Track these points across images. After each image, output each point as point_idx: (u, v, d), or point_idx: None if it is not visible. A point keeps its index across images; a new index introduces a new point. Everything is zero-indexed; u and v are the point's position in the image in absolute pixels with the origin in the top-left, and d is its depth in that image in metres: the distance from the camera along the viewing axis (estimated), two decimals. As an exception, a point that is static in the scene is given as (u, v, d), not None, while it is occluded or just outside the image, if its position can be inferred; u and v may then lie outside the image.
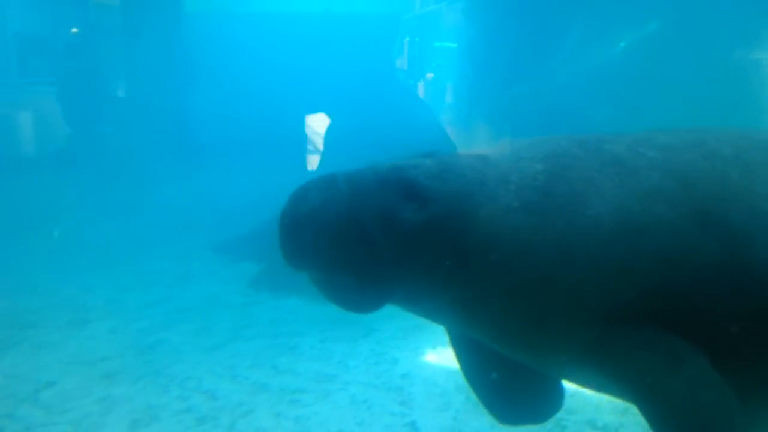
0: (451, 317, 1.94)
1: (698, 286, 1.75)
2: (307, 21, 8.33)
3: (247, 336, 4.67)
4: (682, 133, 2.08)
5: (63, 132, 8.77)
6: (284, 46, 7.96)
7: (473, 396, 2.26)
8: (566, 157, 1.90)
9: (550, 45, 6.76)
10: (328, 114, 8.31)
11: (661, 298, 1.73)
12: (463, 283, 1.79)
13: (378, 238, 1.71)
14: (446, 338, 2.22)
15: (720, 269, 1.75)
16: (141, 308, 5.25)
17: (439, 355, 4.25)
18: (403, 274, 1.78)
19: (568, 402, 3.79)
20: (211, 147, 7.89)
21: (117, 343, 4.51)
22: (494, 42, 7.43)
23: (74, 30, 10.34)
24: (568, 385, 2.20)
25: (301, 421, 3.41)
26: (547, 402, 2.27)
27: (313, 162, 8.61)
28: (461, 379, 2.25)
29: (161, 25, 8.85)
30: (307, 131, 8.77)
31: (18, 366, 4.12)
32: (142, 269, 6.38)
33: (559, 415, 3.53)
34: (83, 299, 5.46)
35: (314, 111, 8.65)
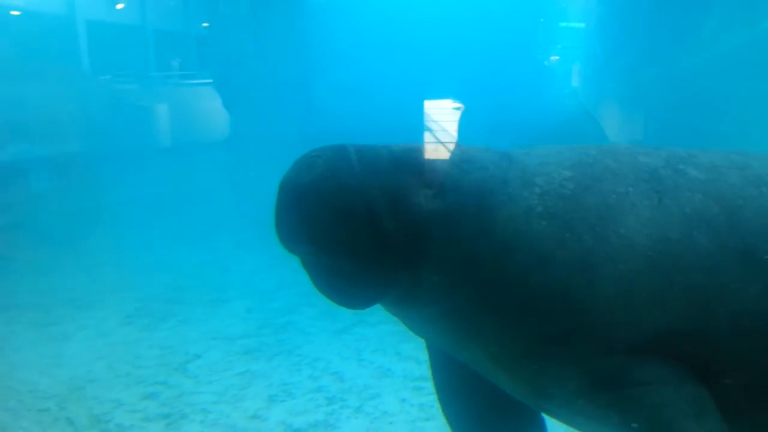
0: (447, 328, 1.72)
1: (732, 333, 1.56)
2: (434, 4, 8.28)
3: (370, 322, 4.83)
4: (726, 153, 1.83)
5: (197, 121, 9.41)
6: (411, 32, 7.99)
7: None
8: (597, 166, 1.70)
9: (687, 24, 6.29)
10: (462, 101, 8.24)
11: (690, 339, 1.56)
12: (472, 288, 1.61)
13: (386, 222, 1.54)
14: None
15: (758, 318, 1.55)
16: (272, 290, 5.59)
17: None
18: (406, 268, 1.60)
19: None
20: (336, 138, 8.13)
21: (253, 322, 4.84)
22: (627, 21, 7.03)
23: (205, 24, 11.05)
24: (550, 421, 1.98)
25: (425, 408, 3.49)
26: None
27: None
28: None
29: (286, 17, 9.21)
30: (438, 119, 8.77)
31: (169, 339, 4.56)
32: (271, 253, 6.75)
33: None
34: (222, 279, 5.91)
35: (446, 98, 8.62)
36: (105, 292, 5.45)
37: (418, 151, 1.66)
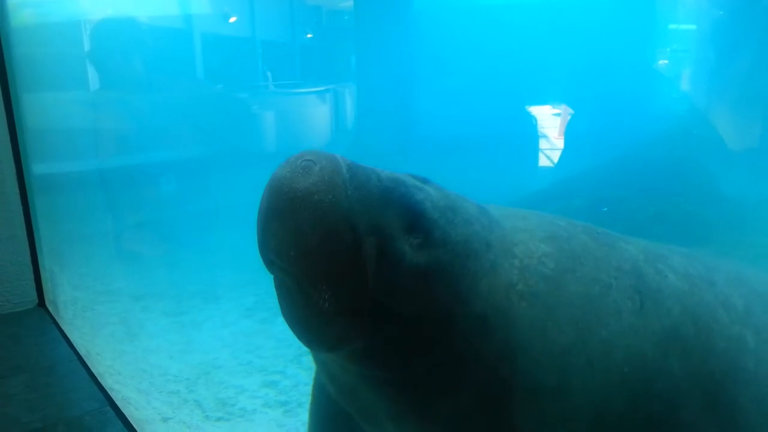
0: (388, 398, 1.55)
1: None
2: (539, 8, 8.25)
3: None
4: (688, 257, 1.73)
5: (301, 128, 9.85)
6: (515, 36, 8.00)
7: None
8: (575, 244, 1.58)
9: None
10: (569, 105, 8.14)
11: None
12: (438, 361, 1.45)
13: (369, 262, 1.36)
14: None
15: None
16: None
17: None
18: (376, 319, 1.41)
19: None
20: (438, 146, 8.31)
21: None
22: (743, 23, 6.72)
23: (309, 35, 11.52)
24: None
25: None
26: None
27: (549, 160, 8.57)
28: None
29: (389, 25, 9.47)
30: (542, 127, 8.70)
31: (284, 332, 4.81)
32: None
33: None
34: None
35: (550, 104, 8.54)
36: (226, 286, 5.91)
37: (406, 186, 1.47)
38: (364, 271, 1.37)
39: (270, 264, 1.46)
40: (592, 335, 1.47)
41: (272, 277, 1.53)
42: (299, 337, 1.50)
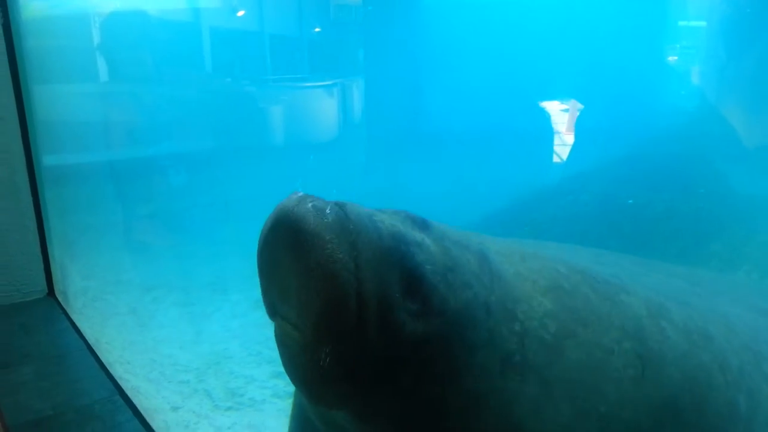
0: None
1: None
2: (550, 4, 8.22)
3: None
4: (686, 311, 1.70)
5: (308, 122, 9.88)
6: (524, 31, 7.98)
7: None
8: (577, 298, 1.54)
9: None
10: (578, 101, 8.11)
11: None
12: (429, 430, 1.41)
13: (371, 326, 1.31)
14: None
15: None
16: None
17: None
18: (370, 386, 1.38)
19: None
20: (446, 142, 8.31)
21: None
22: (753, 20, 6.70)
23: (317, 29, 11.54)
24: None
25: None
26: None
27: (557, 155, 8.55)
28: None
29: (397, 20, 9.47)
30: (551, 123, 8.66)
31: (293, 324, 4.93)
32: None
33: None
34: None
35: (559, 99, 8.52)
36: (236, 278, 5.95)
37: (407, 245, 1.38)
38: (366, 335, 1.31)
39: (272, 312, 1.45)
40: (590, 413, 1.44)
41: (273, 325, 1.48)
42: (297, 389, 1.46)
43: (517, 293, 1.49)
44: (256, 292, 5.27)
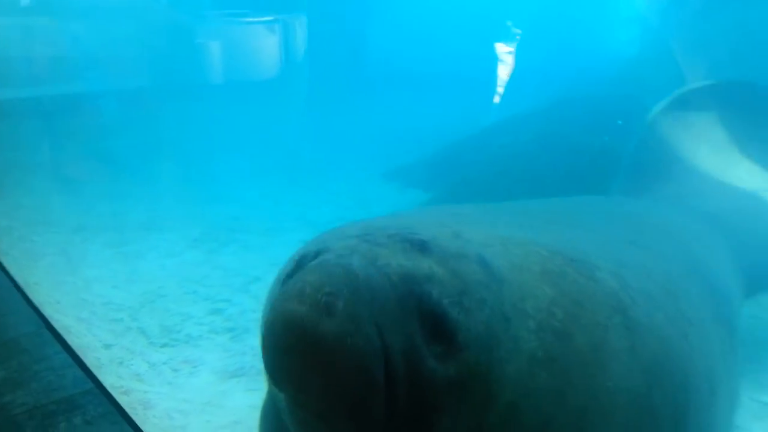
0: None
1: None
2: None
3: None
4: (633, 272, 1.88)
5: (252, 59, 9.57)
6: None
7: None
8: (568, 282, 1.60)
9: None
10: (523, 44, 8.05)
11: None
12: None
13: (400, 390, 1.28)
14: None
15: None
16: (325, 223, 5.81)
17: None
18: None
19: None
20: (390, 81, 8.20)
21: (307, 252, 5.09)
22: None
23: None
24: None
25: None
26: None
27: (499, 96, 8.55)
28: None
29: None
30: (494, 65, 8.61)
31: (231, 262, 4.87)
32: (325, 189, 7.02)
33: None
34: (278, 212, 6.20)
35: (504, 42, 8.45)
36: (173, 218, 5.80)
37: (419, 284, 1.34)
38: (397, 402, 1.29)
39: (285, 394, 1.39)
40: (601, 390, 1.52)
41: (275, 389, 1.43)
42: None
43: (522, 289, 1.51)
44: (194, 230, 5.18)
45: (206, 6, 10.67)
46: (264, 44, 9.50)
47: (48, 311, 3.68)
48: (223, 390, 3.18)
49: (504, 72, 8.09)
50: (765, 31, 5.54)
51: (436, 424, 1.35)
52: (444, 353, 1.32)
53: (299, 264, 1.46)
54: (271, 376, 1.35)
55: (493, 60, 8.47)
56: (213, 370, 3.36)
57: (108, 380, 3.05)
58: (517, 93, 7.21)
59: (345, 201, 6.66)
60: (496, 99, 8.04)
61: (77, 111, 7.31)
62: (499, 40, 8.34)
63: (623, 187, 4.32)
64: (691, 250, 2.84)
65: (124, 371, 3.31)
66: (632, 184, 4.23)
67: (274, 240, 5.39)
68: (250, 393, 3.15)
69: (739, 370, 2.54)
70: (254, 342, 3.65)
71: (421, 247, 1.44)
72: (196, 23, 10.09)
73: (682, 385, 1.79)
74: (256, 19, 9.69)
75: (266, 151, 8.08)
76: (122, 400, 2.87)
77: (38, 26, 7.94)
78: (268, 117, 8.96)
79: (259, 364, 3.38)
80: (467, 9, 8.00)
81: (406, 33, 8.39)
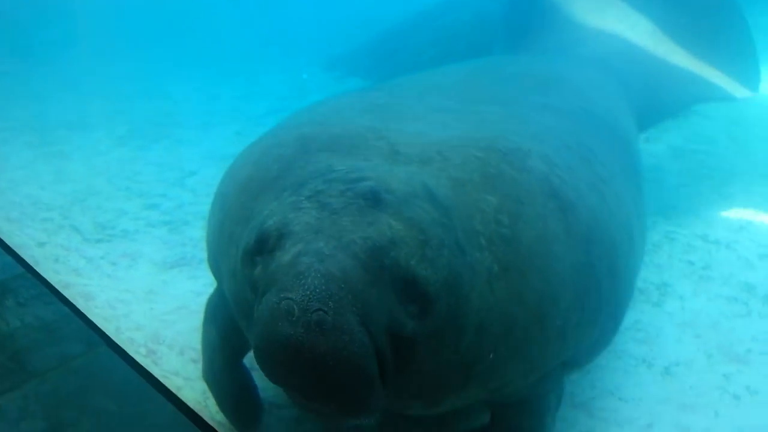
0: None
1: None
2: None
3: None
4: (552, 147, 2.00)
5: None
6: None
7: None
8: (507, 181, 1.68)
9: None
10: None
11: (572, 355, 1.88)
12: (454, 362, 1.55)
13: (387, 365, 1.38)
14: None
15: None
16: (261, 116, 5.66)
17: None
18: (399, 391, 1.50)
19: (680, 217, 3.92)
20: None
21: (242, 144, 4.91)
22: None
23: None
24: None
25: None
26: None
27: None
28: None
29: None
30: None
31: (164, 157, 4.72)
32: (260, 81, 6.77)
33: (669, 228, 3.69)
34: (210, 105, 5.96)
35: None
36: (97, 116, 5.52)
37: (385, 254, 1.37)
38: (385, 371, 1.38)
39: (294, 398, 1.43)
40: (551, 275, 1.63)
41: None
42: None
43: (468, 208, 1.56)
44: (120, 128, 4.97)
45: None
46: None
47: (-27, 215, 3.53)
48: (165, 279, 3.17)
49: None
50: None
51: (417, 371, 1.48)
52: (420, 311, 1.39)
53: (262, 245, 1.46)
54: (275, 384, 1.41)
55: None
56: (152, 262, 3.34)
57: (45, 276, 3.00)
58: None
59: (282, 91, 6.45)
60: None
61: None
62: None
63: (510, 42, 4.39)
64: (595, 102, 3.00)
65: (61, 267, 3.25)
66: (520, 39, 4.31)
67: (208, 134, 5.23)
68: (192, 280, 3.17)
69: (646, 206, 2.73)
70: (194, 233, 3.62)
71: (375, 200, 1.45)
72: None
73: (610, 243, 1.92)
74: None
75: (195, 42, 7.67)
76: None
77: None
78: (197, 5, 8.43)
79: (200, 254, 3.39)
80: None
81: None
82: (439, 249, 1.42)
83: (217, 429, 2.19)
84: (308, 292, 1.28)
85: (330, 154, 1.70)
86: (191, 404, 2.28)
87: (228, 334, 2.06)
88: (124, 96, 6.18)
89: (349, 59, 6.98)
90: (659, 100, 4.00)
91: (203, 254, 3.40)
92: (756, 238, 3.72)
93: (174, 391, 2.34)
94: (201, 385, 2.40)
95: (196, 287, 3.09)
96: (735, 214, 4.03)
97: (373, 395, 1.34)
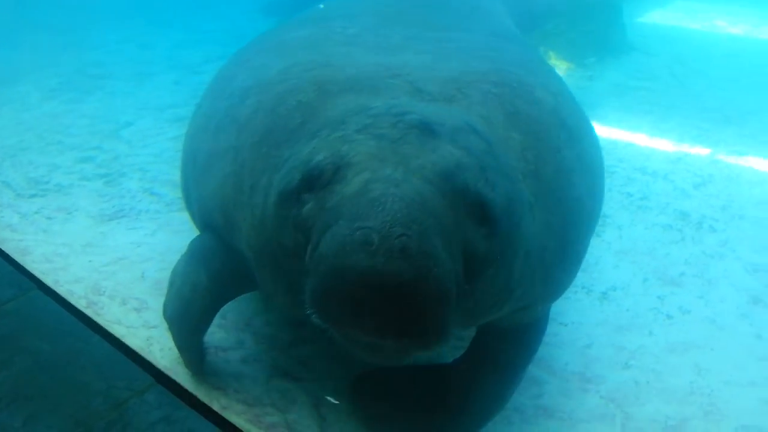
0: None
1: None
2: None
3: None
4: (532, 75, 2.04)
5: None
6: None
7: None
8: (525, 119, 1.74)
9: None
10: None
11: None
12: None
13: (462, 286, 1.34)
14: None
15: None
16: (199, 63, 5.46)
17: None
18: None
19: (620, 151, 4.01)
20: None
21: (181, 93, 4.79)
22: None
23: None
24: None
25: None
26: None
27: None
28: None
29: None
30: None
31: (98, 109, 4.52)
32: (197, 28, 6.50)
33: (609, 162, 3.78)
34: (145, 55, 5.71)
35: None
36: (22, 69, 5.21)
37: (456, 177, 1.37)
38: (461, 296, 1.34)
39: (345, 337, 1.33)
40: (572, 201, 1.75)
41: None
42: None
43: (502, 145, 1.61)
44: (49, 80, 4.71)
45: None
46: None
47: None
48: (103, 231, 3.08)
49: None
50: None
51: (474, 293, 1.47)
52: (488, 233, 1.39)
53: (312, 181, 1.38)
54: (334, 325, 1.29)
55: None
56: (89, 215, 3.23)
57: (-25, 234, 2.87)
58: None
59: (220, 38, 6.20)
60: None
61: None
62: None
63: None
64: (506, 24, 3.11)
65: (-8, 224, 3.11)
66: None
67: (144, 84, 5.02)
68: (132, 231, 3.09)
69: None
70: (131, 185, 3.51)
71: (429, 130, 1.44)
72: None
73: (599, 165, 2.07)
74: None
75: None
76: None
77: None
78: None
79: (138, 206, 3.30)
80: None
81: None
82: (494, 174, 1.45)
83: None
84: (388, 218, 1.21)
85: (355, 95, 1.66)
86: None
87: (222, 279, 2.00)
88: (52, 47, 5.85)
89: (286, 4, 6.75)
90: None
91: (142, 206, 3.34)
92: (691, 168, 3.85)
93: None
94: (145, 333, 2.37)
95: (135, 238, 3.01)
96: (672, 147, 4.15)
97: (450, 321, 1.29)
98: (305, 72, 1.85)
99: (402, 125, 1.44)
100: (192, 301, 2.06)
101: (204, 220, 2.06)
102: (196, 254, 2.13)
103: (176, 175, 3.57)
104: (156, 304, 2.40)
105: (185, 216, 3.09)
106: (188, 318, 2.09)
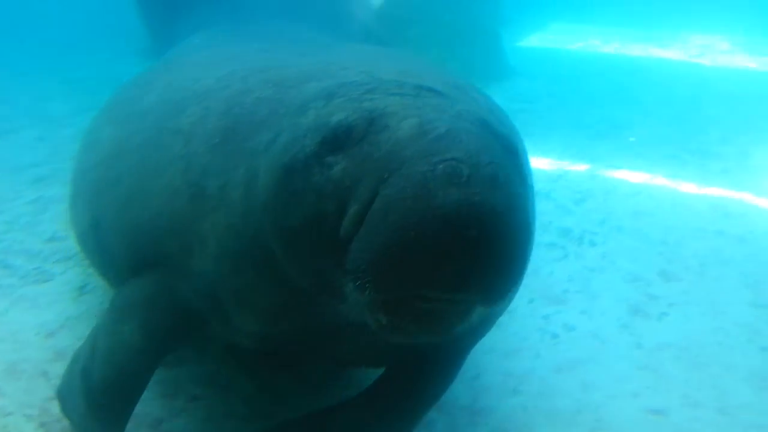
0: None
1: None
2: None
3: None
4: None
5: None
6: None
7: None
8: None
9: None
10: None
11: None
12: None
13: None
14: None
15: None
16: (67, 116, 5.09)
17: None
18: None
19: None
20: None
21: (45, 150, 4.44)
22: None
23: None
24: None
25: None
26: None
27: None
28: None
29: None
30: None
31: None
32: (66, 77, 6.11)
33: None
34: (5, 110, 5.28)
35: None
36: None
37: (490, 122, 1.34)
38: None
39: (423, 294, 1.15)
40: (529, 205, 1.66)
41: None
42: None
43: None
44: None
45: None
46: None
47: None
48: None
49: None
50: None
51: None
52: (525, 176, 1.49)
53: (339, 140, 1.26)
54: (398, 289, 1.13)
55: None
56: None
57: None
58: None
59: (94, 85, 5.81)
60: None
61: None
62: None
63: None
64: None
65: None
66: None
67: (3, 142, 4.61)
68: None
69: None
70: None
71: (433, 90, 1.41)
72: None
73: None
74: None
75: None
76: None
77: None
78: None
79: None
80: None
81: None
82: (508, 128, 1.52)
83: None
84: (471, 147, 1.13)
85: (318, 83, 1.55)
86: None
87: (160, 334, 1.76)
88: None
89: (169, 45, 6.51)
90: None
91: None
92: (571, 185, 3.96)
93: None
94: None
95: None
96: (553, 165, 4.26)
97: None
98: (249, 77, 1.76)
99: (408, 87, 1.38)
100: (121, 364, 1.76)
101: (140, 258, 1.79)
102: (116, 312, 1.84)
103: (33, 244, 3.27)
104: (10, 389, 2.15)
105: (45, 288, 2.84)
106: (120, 387, 1.77)
